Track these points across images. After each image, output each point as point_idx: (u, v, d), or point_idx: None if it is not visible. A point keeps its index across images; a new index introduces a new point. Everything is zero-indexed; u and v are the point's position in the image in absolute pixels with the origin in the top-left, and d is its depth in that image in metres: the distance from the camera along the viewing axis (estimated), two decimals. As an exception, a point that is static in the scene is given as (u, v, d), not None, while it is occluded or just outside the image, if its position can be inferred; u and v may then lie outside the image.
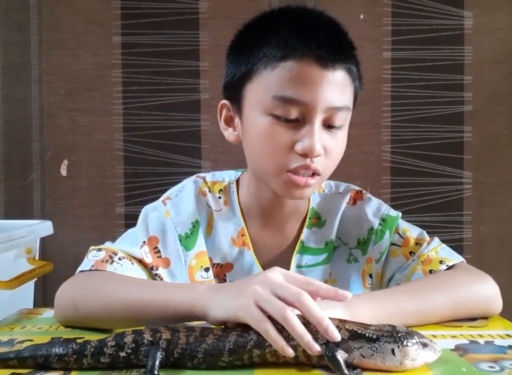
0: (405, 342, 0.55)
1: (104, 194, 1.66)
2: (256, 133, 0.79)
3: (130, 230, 0.87)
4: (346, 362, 0.55)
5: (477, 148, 1.69)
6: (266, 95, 0.76)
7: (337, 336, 0.56)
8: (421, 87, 1.68)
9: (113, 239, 0.85)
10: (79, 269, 0.79)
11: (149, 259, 0.82)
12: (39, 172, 1.66)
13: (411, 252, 0.87)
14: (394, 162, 1.68)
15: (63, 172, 1.66)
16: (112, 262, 0.78)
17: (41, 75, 1.65)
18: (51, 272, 1.24)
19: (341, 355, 0.55)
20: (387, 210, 0.91)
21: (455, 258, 0.85)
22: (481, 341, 0.67)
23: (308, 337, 0.56)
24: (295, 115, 0.75)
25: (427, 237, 0.88)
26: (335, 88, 0.76)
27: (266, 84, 0.76)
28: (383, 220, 0.89)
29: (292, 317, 0.56)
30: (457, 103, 1.68)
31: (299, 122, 0.76)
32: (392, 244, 0.88)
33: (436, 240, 0.88)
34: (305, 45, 0.74)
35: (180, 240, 0.86)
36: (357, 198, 0.92)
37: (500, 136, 1.70)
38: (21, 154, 1.66)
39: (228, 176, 0.92)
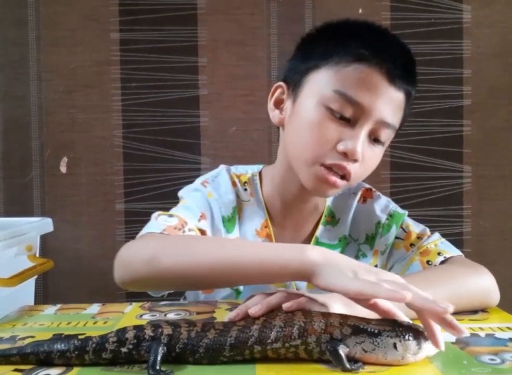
0: (406, 337, 0.55)
1: (104, 191, 1.66)
2: (305, 120, 0.81)
3: (180, 207, 0.84)
4: (347, 356, 0.55)
5: (477, 142, 1.69)
6: (329, 87, 0.79)
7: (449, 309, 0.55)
8: (420, 81, 1.65)
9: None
10: (147, 230, 0.76)
11: (209, 232, 0.83)
12: (39, 170, 1.66)
13: (411, 244, 0.89)
14: (393, 156, 1.68)
15: (63, 169, 1.66)
16: (183, 232, 0.77)
17: (39, 72, 1.65)
18: (51, 269, 1.24)
19: (342, 350, 0.55)
20: (395, 207, 0.94)
21: (453, 251, 0.87)
22: (482, 334, 0.67)
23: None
24: (349, 114, 0.78)
25: (429, 232, 0.90)
26: (392, 105, 0.80)
27: (332, 77, 0.79)
28: (390, 215, 0.93)
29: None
30: (456, 97, 1.68)
31: (350, 123, 0.79)
32: (396, 237, 0.91)
33: (437, 234, 0.90)
34: (383, 57, 0.78)
35: (223, 221, 0.87)
36: (367, 196, 0.95)
37: (499, 130, 1.69)
38: (20, 152, 1.66)
39: (250, 169, 0.95)
